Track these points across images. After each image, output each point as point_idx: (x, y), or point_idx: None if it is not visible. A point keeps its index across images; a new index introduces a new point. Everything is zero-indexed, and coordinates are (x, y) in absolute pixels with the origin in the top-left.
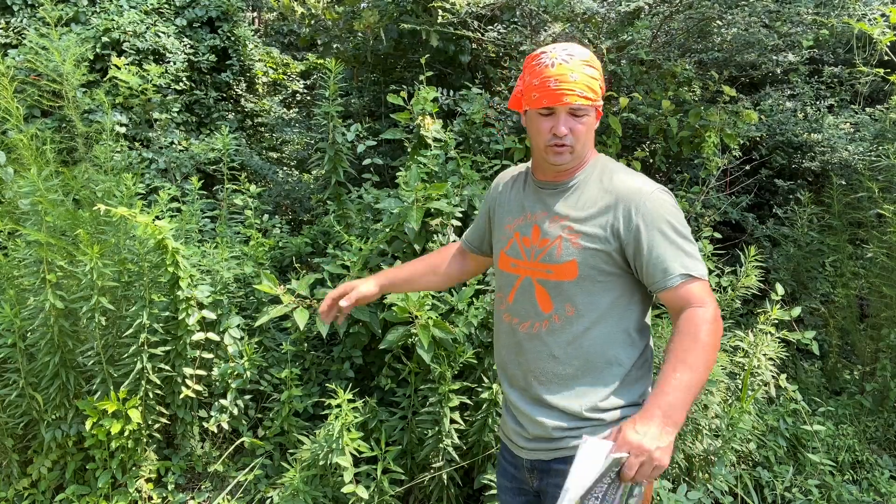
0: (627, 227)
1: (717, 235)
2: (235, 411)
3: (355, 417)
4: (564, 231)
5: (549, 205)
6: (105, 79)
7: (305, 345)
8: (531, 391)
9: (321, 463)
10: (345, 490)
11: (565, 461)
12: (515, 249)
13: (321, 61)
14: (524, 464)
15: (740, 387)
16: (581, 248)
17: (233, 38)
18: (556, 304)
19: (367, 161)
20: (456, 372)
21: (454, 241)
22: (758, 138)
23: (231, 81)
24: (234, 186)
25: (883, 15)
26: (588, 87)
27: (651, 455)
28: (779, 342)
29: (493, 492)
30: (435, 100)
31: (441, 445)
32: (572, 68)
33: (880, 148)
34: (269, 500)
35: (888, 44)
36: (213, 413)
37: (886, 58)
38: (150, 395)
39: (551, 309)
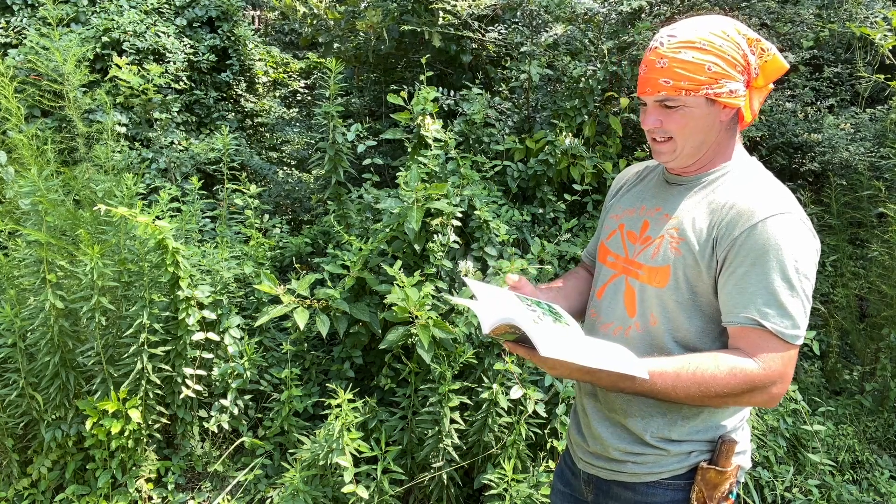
0: (724, 241)
1: None
2: (235, 411)
3: (355, 417)
4: (669, 232)
5: (667, 200)
6: (105, 78)
7: (305, 345)
8: (597, 398)
9: (321, 463)
10: (345, 490)
11: (627, 487)
12: (617, 242)
13: (322, 60)
14: (581, 474)
15: None
16: (679, 255)
17: (233, 38)
18: (640, 310)
19: (367, 161)
20: (456, 372)
21: (454, 241)
22: (758, 138)
23: (231, 81)
24: (234, 186)
25: (884, 18)
26: (682, 73)
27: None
28: None
29: (494, 492)
30: (435, 100)
31: (441, 445)
32: (664, 53)
33: (883, 149)
34: (269, 500)
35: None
36: (213, 413)
37: (888, 62)
38: (150, 395)
39: (636, 314)
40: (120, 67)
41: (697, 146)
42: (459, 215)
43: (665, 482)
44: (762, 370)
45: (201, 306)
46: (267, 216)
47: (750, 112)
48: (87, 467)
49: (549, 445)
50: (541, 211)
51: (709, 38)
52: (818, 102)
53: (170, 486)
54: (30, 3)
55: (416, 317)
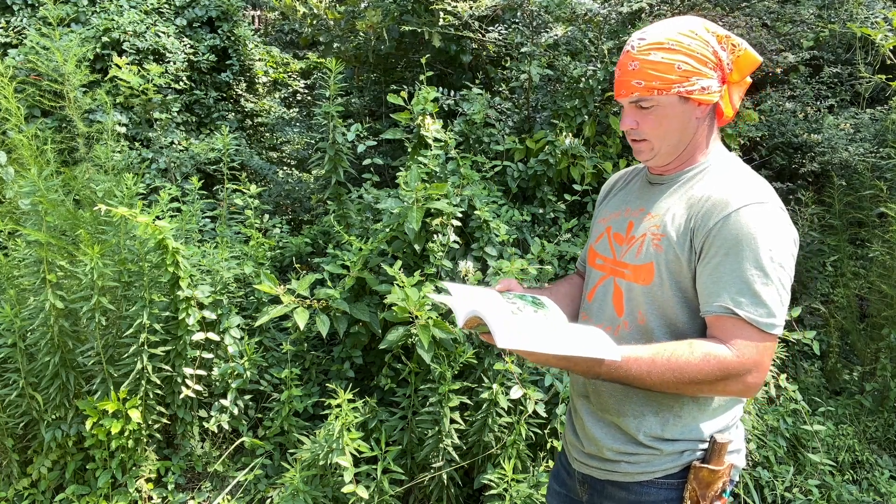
0: (700, 232)
1: None
2: (235, 411)
3: (355, 417)
4: (651, 229)
5: (650, 200)
6: (105, 78)
7: (305, 345)
8: (590, 400)
9: (321, 463)
10: (345, 490)
11: (621, 486)
12: (605, 245)
13: (322, 60)
14: (576, 475)
15: None
16: (661, 251)
17: (233, 38)
18: (627, 309)
19: (367, 161)
20: (456, 372)
21: (454, 241)
22: (758, 138)
23: (231, 81)
24: (234, 186)
25: (885, 18)
26: (653, 73)
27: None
28: (779, 342)
29: (494, 492)
30: (435, 100)
31: (441, 445)
32: (635, 56)
33: (883, 149)
34: (269, 500)
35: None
36: (213, 413)
37: (889, 62)
38: (150, 395)
39: (623, 313)
40: (120, 67)
41: (675, 144)
42: (459, 215)
43: (659, 481)
44: (736, 357)
45: (201, 306)
46: (267, 216)
47: (730, 107)
48: (87, 467)
49: (549, 445)
50: (541, 211)
51: (677, 38)
52: (818, 102)
53: (170, 486)
54: (30, 3)
55: (416, 317)
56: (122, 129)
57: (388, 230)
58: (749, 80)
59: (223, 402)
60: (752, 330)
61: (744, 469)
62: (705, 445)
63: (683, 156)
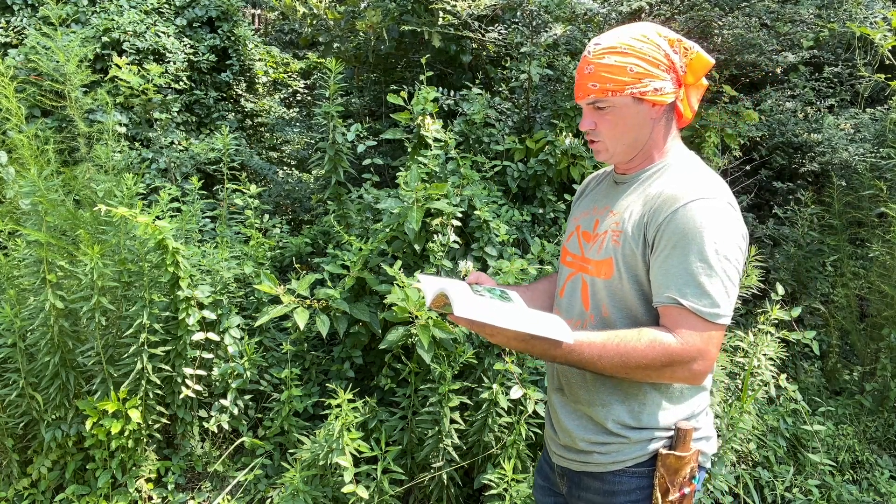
0: (652, 227)
1: None
2: (235, 411)
3: (355, 417)
4: (611, 226)
5: (614, 198)
6: (105, 78)
7: (305, 345)
8: (563, 393)
9: (321, 463)
10: (345, 490)
11: (595, 477)
12: (574, 243)
13: (322, 60)
14: (556, 468)
15: (740, 387)
16: (619, 247)
17: (233, 38)
18: (592, 303)
19: (367, 161)
20: (456, 372)
21: (454, 241)
22: (758, 138)
23: (231, 81)
24: (234, 186)
25: (884, 18)
26: (607, 76)
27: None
28: (779, 342)
29: (493, 492)
30: (435, 100)
31: (441, 445)
32: (591, 60)
33: (883, 149)
34: (269, 500)
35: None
36: (213, 413)
37: (888, 62)
38: (150, 395)
39: (590, 307)
40: (120, 67)
41: (630, 144)
42: (459, 215)
43: (630, 470)
44: (680, 345)
45: (201, 306)
46: (267, 216)
47: (689, 109)
48: (87, 467)
49: None
50: (541, 211)
51: (629, 42)
52: (818, 102)
53: (170, 486)
54: (30, 2)
55: (416, 317)
56: (123, 129)
57: (388, 230)
58: (705, 82)
59: (223, 402)
60: (697, 319)
61: (744, 469)
62: (671, 433)
63: (640, 156)
